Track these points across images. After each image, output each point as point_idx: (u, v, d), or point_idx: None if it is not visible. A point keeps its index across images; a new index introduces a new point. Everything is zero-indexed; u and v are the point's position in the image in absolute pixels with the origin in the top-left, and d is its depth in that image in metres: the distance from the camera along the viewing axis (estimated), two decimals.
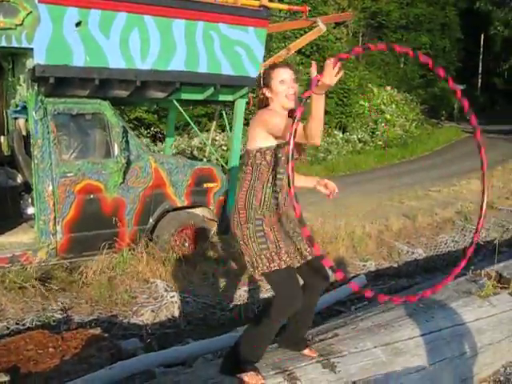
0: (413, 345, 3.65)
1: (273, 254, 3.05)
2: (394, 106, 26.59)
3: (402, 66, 38.00)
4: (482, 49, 49.06)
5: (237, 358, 3.09)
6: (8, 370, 3.69)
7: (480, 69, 49.54)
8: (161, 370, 3.77)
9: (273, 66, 3.23)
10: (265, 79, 3.19)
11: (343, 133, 23.57)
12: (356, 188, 14.39)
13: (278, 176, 3.12)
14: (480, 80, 49.49)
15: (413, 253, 8.00)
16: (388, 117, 25.65)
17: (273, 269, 3.05)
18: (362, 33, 36.70)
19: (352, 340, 3.56)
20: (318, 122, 2.79)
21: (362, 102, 25.45)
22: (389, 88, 28.20)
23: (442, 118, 36.42)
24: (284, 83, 3.12)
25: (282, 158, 3.09)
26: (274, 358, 3.28)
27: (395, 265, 7.60)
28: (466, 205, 10.76)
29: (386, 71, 35.18)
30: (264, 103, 3.22)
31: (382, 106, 26.18)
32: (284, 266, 3.05)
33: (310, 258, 3.21)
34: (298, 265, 3.19)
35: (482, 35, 47.90)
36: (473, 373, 3.93)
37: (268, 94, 3.18)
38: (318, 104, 2.78)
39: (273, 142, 3.08)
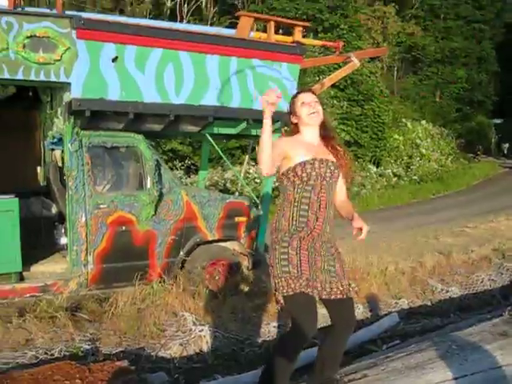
0: None
1: (293, 277, 3.05)
2: (429, 140, 26.43)
3: (437, 99, 37.82)
4: None
5: None
6: None
7: None
8: None
9: (295, 94, 3.44)
10: (291, 108, 3.38)
11: (377, 167, 23.45)
12: (390, 223, 14.28)
13: (305, 194, 3.17)
14: None
15: (447, 291, 7.78)
16: (423, 151, 25.46)
17: (290, 293, 3.05)
18: (397, 67, 36.75)
19: (382, 381, 3.48)
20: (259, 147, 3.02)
21: (396, 136, 25.33)
22: (424, 122, 28.04)
23: (479, 152, 36.00)
24: (305, 105, 3.28)
25: (307, 175, 3.17)
26: None
27: (429, 303, 7.39)
28: (504, 242, 10.52)
29: (421, 105, 35.07)
30: (295, 131, 3.40)
31: (418, 140, 26.02)
32: (302, 294, 3.04)
33: (338, 296, 3.17)
34: (322, 296, 3.15)
35: None
36: None
37: (294, 120, 3.36)
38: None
39: (291, 163, 3.19)
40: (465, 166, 29.39)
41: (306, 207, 3.16)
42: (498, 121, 40.80)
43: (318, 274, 3.13)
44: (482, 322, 4.95)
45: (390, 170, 23.53)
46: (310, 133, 3.33)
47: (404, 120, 26.89)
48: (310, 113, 3.27)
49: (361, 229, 3.29)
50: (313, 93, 3.38)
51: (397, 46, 35.80)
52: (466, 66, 39.42)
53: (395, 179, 23.27)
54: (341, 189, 3.43)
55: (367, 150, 24.43)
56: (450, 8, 38.80)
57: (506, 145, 41.15)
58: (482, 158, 35.53)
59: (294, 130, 3.41)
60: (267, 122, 2.98)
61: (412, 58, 37.24)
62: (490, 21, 41.64)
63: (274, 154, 3.05)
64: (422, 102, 35.34)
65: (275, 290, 3.18)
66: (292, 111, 3.37)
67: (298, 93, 3.44)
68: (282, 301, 3.17)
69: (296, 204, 3.18)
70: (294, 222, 3.15)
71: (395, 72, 36.87)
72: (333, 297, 3.16)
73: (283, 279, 3.07)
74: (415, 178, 23.75)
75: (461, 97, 38.66)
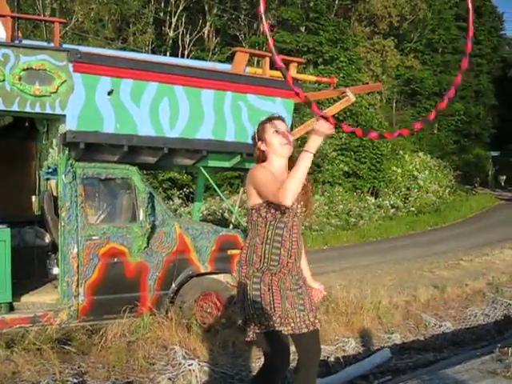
0: None
1: (266, 315, 2.98)
2: (427, 171, 26.54)
3: (435, 132, 38.08)
4: None
5: None
6: None
7: None
8: None
9: (266, 121, 3.25)
10: (259, 133, 3.22)
11: (375, 198, 23.52)
12: (386, 255, 14.29)
13: (277, 231, 3.07)
14: None
15: (440, 326, 7.74)
16: (421, 183, 25.57)
17: (263, 330, 2.99)
18: (395, 99, 37.05)
19: None
20: (294, 177, 2.79)
21: (394, 168, 25.47)
22: (421, 154, 28.20)
23: (476, 184, 36.15)
24: (278, 134, 3.14)
25: (280, 212, 3.05)
26: None
27: (422, 338, 7.35)
28: (498, 276, 10.53)
29: (419, 137, 35.27)
30: (261, 158, 3.21)
31: (415, 172, 26.15)
32: (274, 331, 2.98)
33: (305, 330, 3.12)
34: (292, 332, 3.08)
35: None
36: None
37: (263, 147, 3.19)
38: (303, 160, 2.79)
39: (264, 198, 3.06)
40: (462, 197, 29.53)
41: (279, 245, 3.06)
42: (495, 153, 41.08)
43: (289, 310, 3.06)
44: (472, 360, 4.95)
45: (387, 202, 23.59)
46: (279, 163, 3.17)
47: (401, 152, 27.02)
48: (284, 143, 3.14)
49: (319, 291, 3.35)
50: (283, 121, 3.27)
51: (396, 78, 36.15)
52: (464, 99, 39.81)
53: (393, 210, 23.33)
54: None
55: (366, 181, 24.56)
56: (447, 42, 39.34)
57: (504, 177, 41.35)
58: (479, 190, 35.67)
59: (259, 157, 3.23)
60: (314, 149, 2.82)
61: (410, 91, 37.56)
62: (487, 55, 42.26)
63: (267, 181, 2.97)
64: (420, 134, 35.55)
65: (244, 325, 3.12)
66: (261, 137, 3.20)
67: (269, 119, 3.27)
68: (251, 336, 3.10)
69: (268, 242, 3.07)
70: (266, 260, 3.06)
71: (394, 104, 37.15)
72: (303, 330, 3.11)
73: (255, 316, 3.01)
74: (413, 209, 23.82)
75: (458, 129, 39.00)
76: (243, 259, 3.13)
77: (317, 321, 3.19)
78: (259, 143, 3.21)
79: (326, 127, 2.78)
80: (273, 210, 3.05)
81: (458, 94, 39.22)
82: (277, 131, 3.15)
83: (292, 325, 3.06)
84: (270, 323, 2.98)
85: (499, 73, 46.62)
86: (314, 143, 2.81)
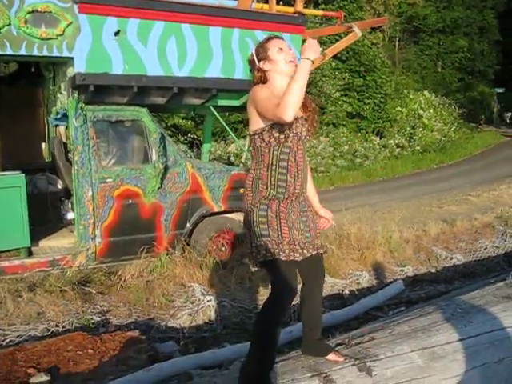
0: (451, 350, 3.59)
1: (273, 242, 2.92)
2: (431, 110, 26.34)
3: (439, 70, 37.61)
4: None
5: (250, 370, 3.00)
6: (48, 370, 3.79)
7: None
8: (197, 372, 3.79)
9: (266, 40, 3.07)
10: (260, 54, 3.03)
11: (380, 138, 23.43)
12: (393, 193, 14.34)
13: (282, 157, 2.95)
14: None
15: (451, 258, 7.86)
16: (426, 121, 25.42)
17: (270, 258, 2.92)
18: (398, 37, 36.45)
19: (389, 344, 3.53)
20: (292, 88, 2.67)
21: (398, 108, 25.28)
22: (426, 92, 27.92)
23: (481, 121, 35.88)
24: (283, 51, 2.98)
25: (284, 136, 2.94)
26: (310, 361, 3.27)
27: (433, 270, 7.49)
28: (507, 209, 10.59)
29: (423, 75, 34.89)
30: (262, 80, 3.02)
31: (420, 111, 25.96)
32: (283, 258, 2.92)
33: (313, 252, 3.10)
34: (301, 258, 3.02)
35: None
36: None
37: (266, 66, 3.00)
38: (301, 68, 2.69)
39: (267, 122, 2.92)
40: (467, 135, 29.32)
41: (285, 171, 2.96)
42: (500, 90, 40.58)
43: (295, 235, 3.01)
44: (486, 287, 5.03)
45: (392, 141, 23.51)
46: (282, 83, 2.95)
47: (405, 91, 26.76)
48: (289, 60, 2.96)
49: (326, 218, 3.31)
50: (284, 40, 3.10)
51: (398, 16, 35.47)
52: (468, 36, 39.08)
53: (398, 150, 23.27)
54: None
55: (370, 121, 24.40)
56: None
57: (509, 114, 41.00)
58: (484, 127, 35.42)
59: (260, 78, 3.02)
60: (309, 62, 2.70)
61: (413, 29, 36.88)
62: None
63: (268, 100, 2.82)
64: (423, 73, 35.15)
65: (252, 252, 3.02)
66: (263, 56, 3.01)
67: (270, 38, 3.09)
68: (258, 264, 3.06)
69: (274, 168, 2.96)
70: (273, 186, 2.96)
71: (397, 42, 36.56)
72: (311, 253, 3.07)
73: (263, 243, 2.93)
74: (418, 148, 23.73)
75: (462, 67, 38.43)
76: (248, 187, 3.04)
77: (320, 245, 3.17)
78: (261, 63, 3.01)
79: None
80: (276, 134, 2.93)
81: (462, 30, 38.62)
82: (281, 49, 2.99)
83: (300, 251, 3.01)
84: (278, 250, 2.92)
85: (504, 8, 45.62)
86: (310, 52, 2.73)
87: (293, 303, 3.09)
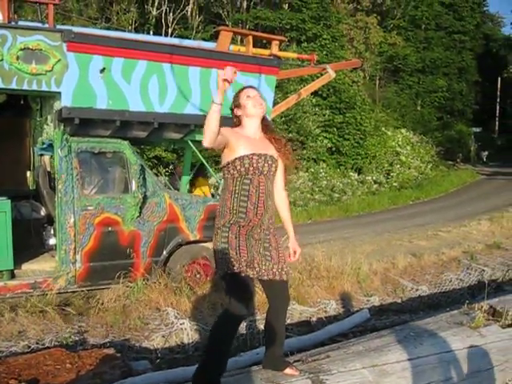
0: (399, 368, 3.90)
1: (232, 260, 3.30)
2: (409, 147, 26.90)
3: (419, 108, 38.42)
4: (499, 92, 49.41)
5: (203, 374, 3.34)
6: (28, 381, 4.05)
7: (497, 112, 49.81)
8: None
9: (239, 90, 3.63)
10: (235, 102, 3.60)
11: (359, 174, 23.89)
12: (368, 228, 14.67)
13: (244, 187, 3.40)
14: (497, 123, 49.72)
15: (417, 289, 8.11)
16: (403, 158, 25.95)
17: (229, 272, 3.30)
18: (378, 76, 37.29)
19: (342, 361, 3.85)
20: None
21: (377, 144, 25.81)
22: (403, 130, 28.53)
23: (458, 160, 36.58)
24: (250, 98, 3.54)
25: (245, 170, 3.39)
26: (269, 374, 3.59)
27: (399, 301, 7.73)
28: (474, 245, 10.94)
29: (402, 113, 35.57)
30: (236, 123, 3.60)
31: (398, 148, 26.50)
32: (239, 272, 3.29)
33: (272, 277, 3.43)
34: (257, 276, 3.38)
35: (499, 79, 48.32)
36: None
37: (238, 112, 3.57)
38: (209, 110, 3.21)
39: (231, 157, 3.40)
40: (444, 173, 29.91)
41: (246, 199, 3.38)
42: (477, 129, 41.48)
43: (254, 256, 3.39)
44: (442, 314, 5.35)
45: (370, 177, 23.98)
46: (253, 125, 3.55)
47: (383, 129, 27.35)
48: (255, 105, 3.50)
49: (295, 251, 3.66)
50: (256, 90, 3.64)
51: (379, 55, 36.33)
52: (447, 76, 40.00)
53: (376, 186, 23.73)
54: (278, 178, 3.63)
55: (349, 157, 24.88)
56: (430, 19, 39.43)
57: (486, 153, 41.84)
58: (461, 165, 36.11)
59: (236, 123, 3.59)
60: (219, 100, 3.19)
61: (394, 68, 37.75)
62: (470, 32, 42.38)
63: (220, 136, 3.27)
64: (403, 111, 35.86)
65: (216, 269, 3.48)
66: (236, 104, 3.56)
67: (241, 89, 3.62)
68: (220, 275, 3.44)
69: (236, 196, 3.39)
70: (235, 212, 3.38)
71: (377, 81, 37.40)
72: (270, 277, 3.43)
73: (224, 260, 3.32)
74: (395, 184, 24.22)
75: (441, 106, 39.30)
76: (218, 212, 3.50)
77: (284, 272, 3.50)
78: (235, 110, 3.59)
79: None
80: (238, 167, 3.40)
81: (442, 70, 39.58)
82: (248, 96, 3.53)
83: (257, 269, 3.39)
84: (236, 265, 3.30)
85: (482, 49, 46.85)
86: (218, 95, 3.24)
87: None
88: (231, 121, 3.64)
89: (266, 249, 3.48)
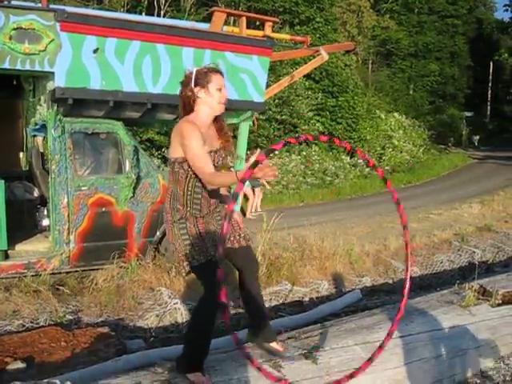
0: (391, 345, 3.94)
1: (197, 249, 3.19)
2: (401, 131, 26.97)
3: (411, 92, 38.50)
4: (491, 76, 49.52)
5: (186, 359, 3.25)
6: (24, 359, 4.10)
7: (489, 96, 49.95)
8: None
9: (211, 70, 3.29)
10: (200, 79, 3.23)
11: (351, 158, 23.94)
12: (360, 211, 14.74)
13: (197, 184, 3.25)
14: (489, 107, 49.88)
15: None
16: (395, 142, 26.03)
17: (195, 264, 3.19)
18: (371, 60, 37.31)
19: (335, 338, 3.93)
20: (218, 181, 3.16)
21: (369, 128, 25.87)
22: (396, 114, 28.59)
23: (450, 144, 36.74)
24: (221, 92, 3.25)
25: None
26: (261, 351, 3.64)
27: (390, 281, 7.79)
28: (465, 227, 11.02)
29: (395, 97, 35.65)
30: (190, 103, 3.28)
31: (390, 132, 26.57)
32: (208, 259, 3.17)
33: (236, 245, 3.42)
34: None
35: (491, 63, 48.40)
36: (448, 374, 4.23)
37: (200, 94, 3.24)
38: (228, 177, 3.07)
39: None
40: (436, 157, 30.02)
41: (199, 196, 3.27)
42: (468, 114, 41.62)
43: (216, 233, 3.27)
44: (432, 293, 5.43)
45: (362, 161, 23.99)
46: (207, 116, 3.29)
47: (378, 112, 27.40)
48: (222, 102, 3.27)
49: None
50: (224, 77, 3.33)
51: (371, 39, 36.37)
52: (439, 60, 40.19)
53: (368, 169, 23.76)
54: None
55: (341, 140, 24.83)
56: (423, 2, 39.47)
57: (477, 137, 42.02)
58: (453, 149, 36.25)
59: (188, 98, 3.28)
60: (240, 179, 2.81)
61: (386, 52, 37.86)
62: (463, 16, 42.44)
63: (196, 148, 3.11)
64: (395, 95, 35.95)
65: (179, 262, 3.30)
66: (202, 85, 3.23)
67: (215, 70, 3.31)
68: (186, 269, 3.30)
69: (189, 193, 3.25)
70: (189, 208, 3.26)
71: (370, 65, 37.43)
72: (229, 245, 3.36)
73: (188, 252, 3.20)
74: (387, 168, 24.28)
75: (433, 90, 39.47)
76: (167, 207, 3.33)
77: (241, 239, 3.46)
78: (196, 88, 3.24)
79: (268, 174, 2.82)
80: None
81: (434, 54, 39.67)
82: (220, 89, 3.25)
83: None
84: (202, 253, 3.20)
85: (474, 33, 46.93)
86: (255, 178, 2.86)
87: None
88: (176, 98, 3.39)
89: (219, 222, 3.37)
